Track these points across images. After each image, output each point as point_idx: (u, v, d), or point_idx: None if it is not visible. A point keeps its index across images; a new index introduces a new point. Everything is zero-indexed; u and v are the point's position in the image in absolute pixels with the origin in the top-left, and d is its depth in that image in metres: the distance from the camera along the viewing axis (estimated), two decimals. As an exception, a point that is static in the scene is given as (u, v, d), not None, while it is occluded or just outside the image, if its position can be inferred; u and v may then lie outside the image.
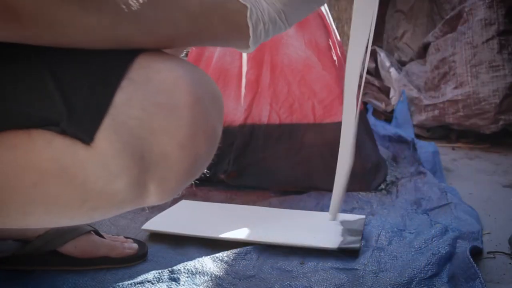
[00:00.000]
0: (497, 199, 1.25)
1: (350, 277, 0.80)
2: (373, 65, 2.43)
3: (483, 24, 1.92)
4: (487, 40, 1.90)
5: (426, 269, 0.79)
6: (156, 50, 0.47)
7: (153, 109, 0.44)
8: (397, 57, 2.45)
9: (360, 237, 0.94)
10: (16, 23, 0.38)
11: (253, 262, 0.86)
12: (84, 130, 0.42)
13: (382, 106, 2.30)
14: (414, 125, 2.04)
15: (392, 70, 2.29)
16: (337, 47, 1.37)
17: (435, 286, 0.76)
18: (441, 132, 2.07)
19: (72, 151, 0.42)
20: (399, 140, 1.69)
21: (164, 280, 0.77)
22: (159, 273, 0.78)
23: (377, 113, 2.31)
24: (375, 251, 0.89)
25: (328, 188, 1.26)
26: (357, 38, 0.60)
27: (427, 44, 2.19)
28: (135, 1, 0.42)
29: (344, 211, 1.13)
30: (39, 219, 0.45)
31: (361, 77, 0.62)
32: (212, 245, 0.92)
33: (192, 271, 0.80)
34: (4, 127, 0.42)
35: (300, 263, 0.86)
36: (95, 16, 0.40)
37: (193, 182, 0.50)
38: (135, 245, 0.86)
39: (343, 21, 2.67)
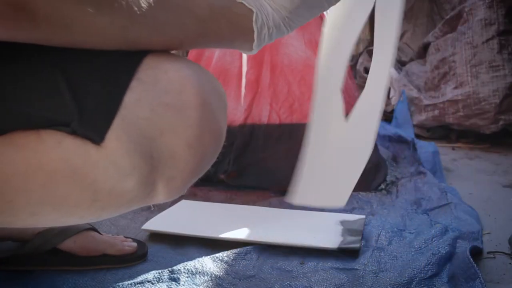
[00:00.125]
0: (497, 199, 1.25)
1: (350, 277, 0.80)
2: (373, 65, 2.42)
3: (483, 24, 1.92)
4: (487, 40, 1.90)
5: (426, 269, 0.79)
6: (163, 51, 0.48)
7: (162, 109, 0.44)
8: (397, 57, 2.45)
9: (360, 237, 0.94)
10: (31, 23, 0.38)
11: (253, 262, 0.86)
12: (94, 130, 0.42)
13: (382, 106, 2.29)
14: (414, 125, 2.04)
15: (392, 70, 2.29)
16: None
17: (435, 286, 0.76)
18: (441, 132, 2.07)
19: (82, 151, 0.42)
20: (399, 140, 1.69)
21: (164, 280, 0.77)
22: (159, 273, 0.78)
23: (377, 113, 2.31)
24: (375, 251, 0.89)
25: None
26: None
27: (427, 44, 2.19)
28: (146, 3, 0.42)
29: (344, 211, 1.13)
30: (47, 218, 0.45)
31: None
32: (212, 245, 0.92)
33: (192, 271, 0.80)
34: (14, 127, 0.42)
35: (300, 263, 0.86)
36: (108, 16, 0.41)
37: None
38: (134, 244, 0.86)
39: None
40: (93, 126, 0.42)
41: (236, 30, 0.50)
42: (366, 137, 0.68)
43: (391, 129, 1.86)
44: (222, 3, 0.49)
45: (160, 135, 0.44)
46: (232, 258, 0.86)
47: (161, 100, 0.44)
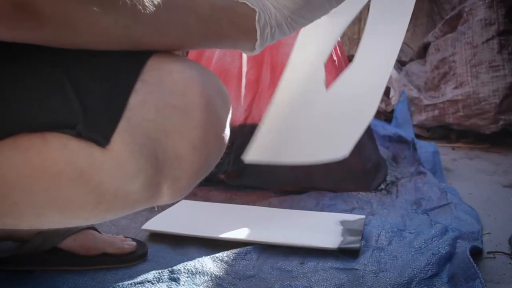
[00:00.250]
0: (497, 199, 1.26)
1: (350, 277, 0.80)
2: (373, 65, 2.43)
3: (483, 24, 1.92)
4: (487, 40, 1.90)
5: (426, 269, 0.79)
6: (166, 51, 0.48)
7: (167, 111, 0.44)
8: (397, 57, 2.45)
9: (360, 237, 0.94)
10: (35, 23, 0.38)
11: (253, 262, 0.86)
12: (100, 133, 0.42)
13: (382, 106, 2.30)
14: (414, 125, 2.04)
15: (392, 70, 2.29)
16: (337, 47, 1.37)
17: (435, 286, 0.76)
18: (441, 132, 2.07)
19: (87, 153, 0.42)
20: (399, 140, 1.69)
21: (164, 280, 0.77)
22: (159, 273, 0.78)
23: (377, 113, 2.30)
24: (375, 251, 0.89)
25: (328, 188, 1.27)
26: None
27: (427, 44, 2.20)
28: (149, 3, 0.42)
29: (344, 211, 1.13)
30: (51, 220, 0.45)
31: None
32: (212, 245, 0.92)
33: (192, 271, 0.80)
34: (18, 130, 0.42)
35: (300, 263, 0.86)
36: (112, 15, 0.41)
37: None
38: (134, 243, 0.87)
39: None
40: (98, 128, 0.42)
41: (239, 30, 0.50)
42: (345, 108, 0.68)
43: (391, 129, 1.86)
44: (224, 3, 0.49)
45: (165, 136, 0.44)
46: (232, 258, 0.86)
47: (166, 102, 0.44)
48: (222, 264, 0.84)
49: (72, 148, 0.42)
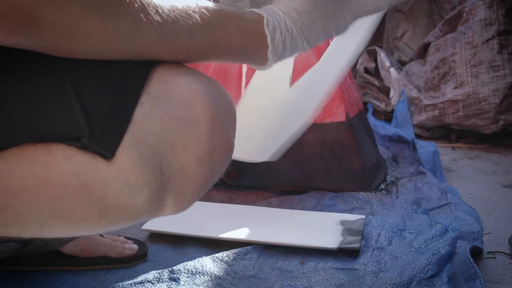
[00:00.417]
0: (497, 199, 1.25)
1: (350, 277, 0.80)
2: (373, 65, 2.42)
3: (483, 24, 1.92)
4: (487, 40, 1.90)
5: (426, 269, 0.79)
6: (172, 62, 0.47)
7: (173, 124, 0.44)
8: (397, 57, 2.45)
9: (360, 237, 0.94)
10: (35, 30, 0.38)
11: (253, 262, 0.86)
12: (105, 146, 0.42)
13: (382, 106, 2.30)
14: (414, 125, 2.04)
15: (392, 70, 2.29)
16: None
17: (435, 286, 0.76)
18: (441, 132, 2.07)
19: (92, 166, 0.42)
20: (399, 140, 1.69)
21: (164, 280, 0.77)
22: (159, 273, 0.78)
23: (377, 113, 2.31)
24: (375, 251, 0.89)
25: (328, 188, 1.27)
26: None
27: (427, 44, 2.19)
28: (152, 9, 0.42)
29: (344, 211, 1.13)
30: (56, 231, 0.45)
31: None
32: (212, 245, 0.92)
33: (192, 271, 0.80)
34: (23, 140, 0.42)
35: (300, 263, 0.86)
36: (111, 21, 0.40)
37: None
38: (135, 246, 0.86)
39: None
40: (103, 142, 0.42)
41: (248, 36, 0.48)
42: (305, 105, 0.67)
43: (391, 129, 1.86)
44: (231, 11, 0.48)
45: (171, 150, 0.44)
46: (232, 258, 0.86)
47: (172, 115, 0.44)
48: (222, 264, 0.84)
49: (77, 160, 0.42)
